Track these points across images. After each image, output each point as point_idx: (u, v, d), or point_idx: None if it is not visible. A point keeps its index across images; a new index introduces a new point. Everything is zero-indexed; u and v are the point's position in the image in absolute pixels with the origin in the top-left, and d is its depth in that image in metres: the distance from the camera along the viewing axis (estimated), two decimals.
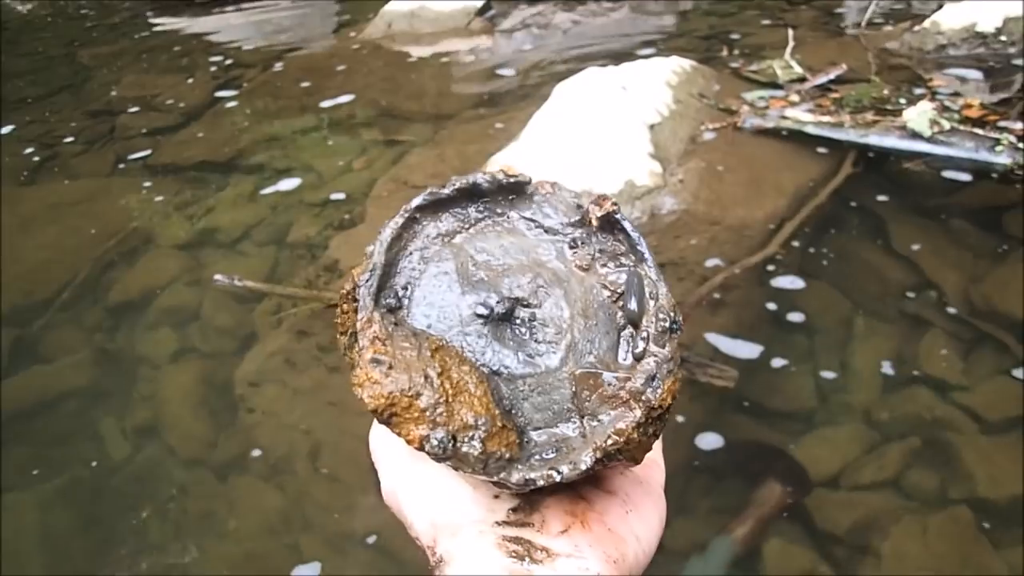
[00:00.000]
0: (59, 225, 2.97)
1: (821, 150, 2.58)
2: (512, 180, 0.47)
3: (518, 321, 0.44)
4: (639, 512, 0.44)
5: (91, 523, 1.82)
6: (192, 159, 3.32)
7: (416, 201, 0.47)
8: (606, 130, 2.43)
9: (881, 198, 2.45)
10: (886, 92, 2.82)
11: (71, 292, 2.56)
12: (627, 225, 0.45)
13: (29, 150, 3.60)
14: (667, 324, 0.42)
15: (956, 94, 2.76)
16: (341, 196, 2.86)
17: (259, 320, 2.27)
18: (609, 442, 0.40)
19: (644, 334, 0.42)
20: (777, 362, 1.98)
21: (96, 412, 2.12)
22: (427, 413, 0.40)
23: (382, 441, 0.48)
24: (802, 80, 2.98)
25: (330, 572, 1.66)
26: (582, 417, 0.42)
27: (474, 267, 0.46)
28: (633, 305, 0.43)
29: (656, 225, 2.25)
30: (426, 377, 0.40)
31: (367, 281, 0.43)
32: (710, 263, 2.12)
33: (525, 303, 0.45)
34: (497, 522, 0.42)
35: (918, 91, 2.82)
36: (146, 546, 1.76)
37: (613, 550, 0.41)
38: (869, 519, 1.65)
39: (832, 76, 2.97)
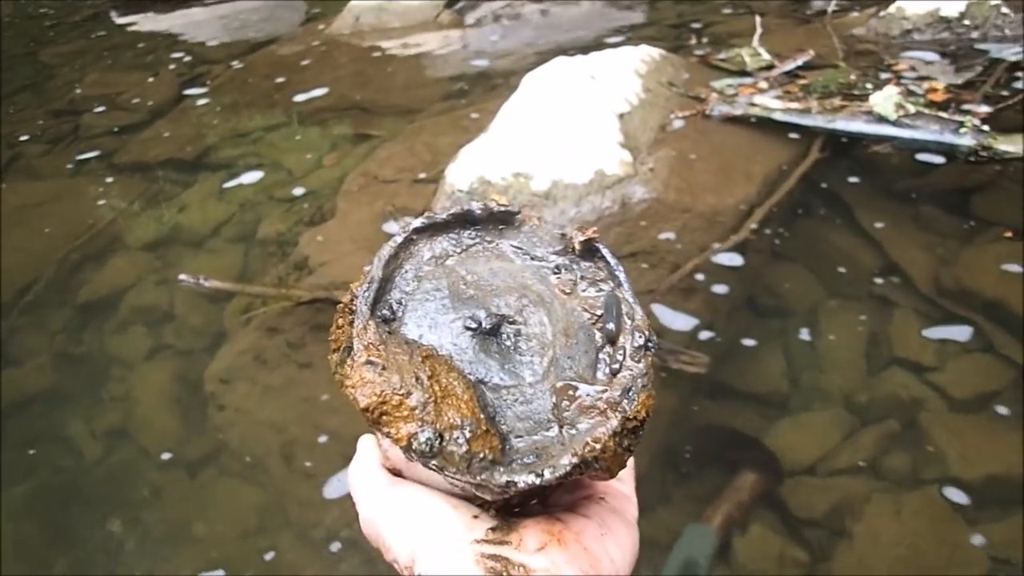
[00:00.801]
0: (24, 227, 2.91)
1: (790, 136, 2.60)
2: (503, 210, 0.51)
3: (504, 336, 0.47)
4: (614, 537, 0.46)
5: (64, 531, 1.79)
6: (158, 157, 3.26)
7: (415, 224, 0.50)
8: (576, 120, 2.42)
9: (850, 182, 2.47)
10: (853, 77, 2.84)
11: (35, 294, 2.51)
12: (606, 252, 0.49)
13: None
14: (642, 342, 0.45)
15: (921, 78, 2.78)
16: (311, 192, 2.83)
17: (229, 318, 2.24)
18: (587, 449, 0.42)
19: (621, 351, 0.45)
20: (749, 347, 1.99)
21: (65, 414, 2.08)
22: (416, 411, 0.42)
23: (360, 471, 0.49)
24: (770, 67, 2.99)
25: (305, 571, 1.65)
26: (561, 426, 0.44)
27: (464, 286, 0.48)
28: (611, 324, 0.46)
29: (627, 214, 2.25)
30: (417, 379, 0.43)
31: (365, 292, 0.46)
32: (681, 250, 2.13)
33: (511, 320, 0.47)
34: (476, 540, 0.43)
35: (884, 76, 2.85)
36: (120, 552, 1.73)
37: (589, 568, 0.42)
38: (844, 503, 1.66)
39: (799, 62, 2.99)
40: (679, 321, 1.95)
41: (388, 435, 0.42)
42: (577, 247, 0.49)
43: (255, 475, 1.85)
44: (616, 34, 3.89)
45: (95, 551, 1.74)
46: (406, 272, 0.49)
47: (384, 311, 0.47)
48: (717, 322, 2.02)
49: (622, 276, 0.48)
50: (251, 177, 3.02)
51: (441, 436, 0.41)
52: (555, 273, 0.50)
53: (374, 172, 2.73)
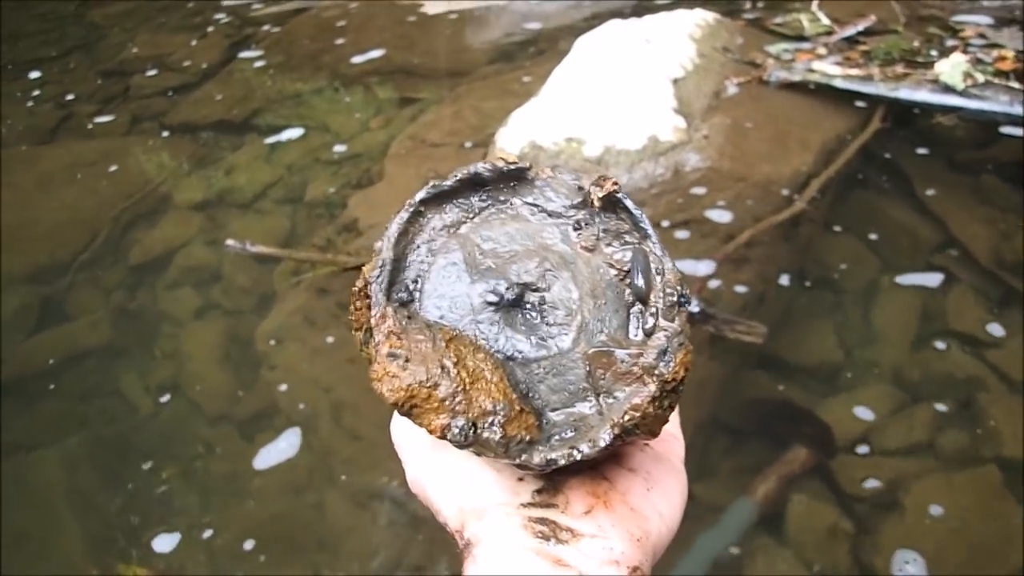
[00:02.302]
0: (77, 185, 2.96)
1: (849, 104, 2.52)
2: (513, 167, 0.47)
3: (528, 306, 0.45)
4: (661, 489, 0.45)
5: (116, 480, 1.84)
6: (208, 118, 3.29)
7: (420, 195, 0.47)
8: (629, 84, 2.37)
9: (911, 153, 2.39)
10: (916, 44, 2.74)
11: (92, 252, 2.57)
12: (629, 203, 0.45)
13: (44, 111, 3.59)
14: (675, 298, 0.43)
15: (990, 45, 2.67)
16: (358, 155, 2.83)
17: (279, 279, 2.27)
18: (626, 418, 0.41)
19: (653, 309, 0.43)
20: (802, 319, 1.96)
21: (118, 369, 2.14)
22: (446, 403, 0.40)
23: (404, 431, 0.49)
24: (829, 32, 2.90)
25: (354, 526, 1.68)
26: (598, 395, 0.43)
27: (481, 256, 0.46)
28: (640, 282, 0.43)
29: (680, 182, 2.22)
30: (442, 368, 0.41)
31: (378, 277, 0.44)
32: (735, 220, 2.09)
33: (534, 287, 0.45)
34: (522, 504, 0.42)
35: (950, 43, 2.74)
36: (172, 502, 1.78)
37: (636, 529, 0.42)
38: (894, 478, 1.64)
39: (860, 28, 2.89)
40: (731, 292, 1.92)
41: (420, 426, 0.41)
42: (597, 203, 0.46)
43: (304, 434, 1.88)
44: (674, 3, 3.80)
45: (148, 499, 1.79)
46: (418, 248, 0.46)
47: (400, 294, 0.45)
48: (769, 293, 1.99)
49: (648, 228, 0.45)
50: (298, 139, 3.03)
51: (475, 425, 0.40)
52: (576, 229, 0.47)
53: (421, 136, 2.72)
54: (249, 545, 1.68)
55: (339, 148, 2.91)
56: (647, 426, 0.41)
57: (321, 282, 2.17)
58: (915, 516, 1.57)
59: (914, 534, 1.54)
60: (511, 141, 2.29)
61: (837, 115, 2.48)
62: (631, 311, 0.44)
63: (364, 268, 0.45)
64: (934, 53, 2.64)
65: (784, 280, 2.05)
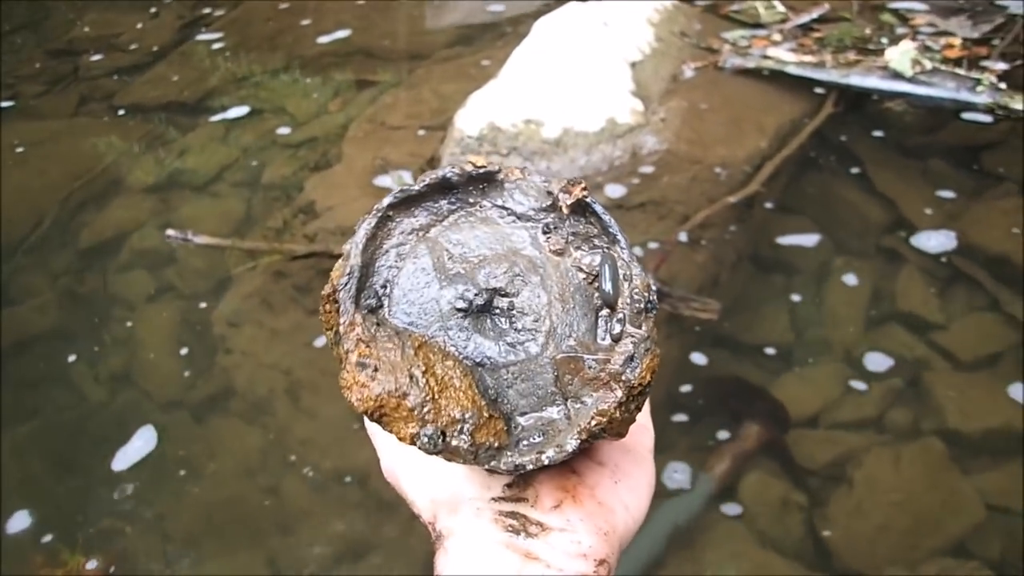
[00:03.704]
0: (24, 168, 2.87)
1: (803, 90, 2.56)
2: (481, 171, 0.47)
3: (497, 311, 0.45)
4: (628, 481, 0.46)
5: (68, 467, 1.81)
6: (160, 100, 3.21)
7: (387, 200, 0.46)
8: (587, 67, 2.38)
9: (861, 137, 2.44)
10: (868, 31, 2.79)
11: (39, 235, 2.49)
12: (598, 208, 0.46)
13: None
14: (642, 304, 0.43)
15: (939, 33, 2.74)
16: (315, 138, 2.79)
17: (234, 262, 2.23)
18: (593, 423, 0.41)
19: (620, 315, 0.43)
20: (755, 299, 2.00)
21: (68, 355, 2.08)
22: (415, 412, 0.41)
23: None
24: (784, 20, 2.94)
25: (311, 509, 1.67)
26: (566, 400, 0.43)
27: (450, 260, 0.46)
28: (608, 288, 0.44)
29: (638, 163, 2.23)
30: (411, 377, 0.41)
31: (346, 285, 0.44)
32: (691, 201, 2.11)
33: (503, 292, 0.45)
34: (493, 498, 0.44)
35: (900, 31, 2.80)
36: (124, 488, 1.75)
37: (603, 523, 0.43)
38: (844, 453, 1.68)
39: (814, 15, 2.93)
40: (687, 272, 1.95)
41: (390, 433, 0.41)
42: (566, 209, 0.46)
43: (260, 417, 1.86)
44: None
45: (99, 486, 1.76)
46: (387, 252, 0.46)
47: (369, 300, 0.45)
48: (723, 274, 2.02)
49: (617, 233, 0.45)
50: (254, 122, 2.98)
51: (443, 433, 0.41)
52: (545, 232, 0.47)
53: (380, 118, 2.70)
54: (203, 531, 1.67)
55: (297, 131, 2.87)
56: (614, 429, 0.42)
57: (278, 265, 2.15)
58: (864, 488, 1.61)
59: (864, 506, 1.59)
60: (470, 123, 2.28)
61: (791, 100, 2.52)
62: (599, 314, 0.44)
63: (333, 273, 0.45)
64: (885, 40, 2.70)
65: (738, 261, 2.08)
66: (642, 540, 1.57)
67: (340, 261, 0.45)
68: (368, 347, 0.42)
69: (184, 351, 2.04)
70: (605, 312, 0.44)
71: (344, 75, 3.29)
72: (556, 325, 0.44)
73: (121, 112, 3.17)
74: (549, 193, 0.46)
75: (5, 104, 3.35)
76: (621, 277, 0.44)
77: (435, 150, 2.40)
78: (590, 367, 0.43)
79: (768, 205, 2.21)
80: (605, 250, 0.45)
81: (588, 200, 0.46)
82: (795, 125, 2.41)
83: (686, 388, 1.84)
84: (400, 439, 0.41)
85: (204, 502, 1.72)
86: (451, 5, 3.88)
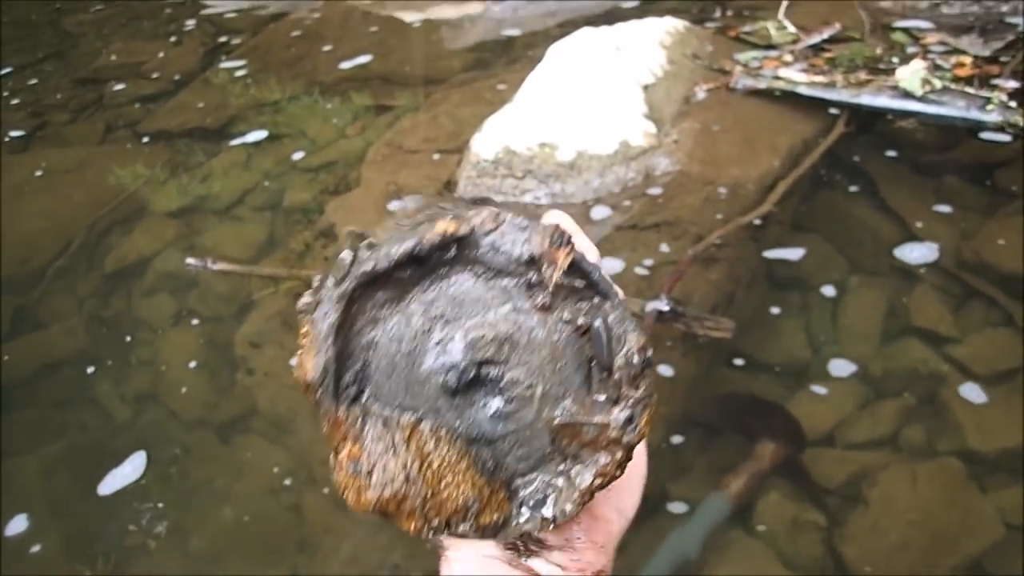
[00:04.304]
0: (52, 193, 2.95)
1: (815, 110, 2.59)
2: (453, 236, 0.42)
3: (487, 382, 0.42)
4: (620, 484, 0.46)
5: (93, 487, 1.84)
6: (183, 126, 3.29)
7: (349, 284, 0.41)
8: (601, 91, 2.42)
9: (874, 156, 2.46)
10: (879, 51, 2.81)
11: (66, 259, 2.56)
12: (585, 266, 0.43)
13: (18, 119, 3.57)
14: (640, 368, 0.42)
15: (949, 52, 2.76)
16: (335, 162, 2.85)
17: (256, 285, 2.28)
18: (596, 483, 0.42)
19: (617, 377, 0.42)
20: (770, 318, 2.01)
21: (94, 377, 2.13)
22: (417, 511, 0.41)
23: None
24: (795, 40, 2.97)
25: (332, 526, 1.70)
26: (565, 459, 0.43)
27: (430, 332, 0.42)
28: (603, 353, 0.42)
29: (651, 185, 2.26)
30: (407, 477, 0.41)
31: (322, 382, 0.41)
32: (704, 222, 2.14)
33: (490, 361, 0.42)
34: None
35: (911, 50, 2.82)
36: (150, 506, 1.78)
37: (600, 536, 0.45)
38: (860, 471, 1.69)
39: (825, 36, 2.96)
40: (701, 291, 1.97)
41: (396, 525, 0.41)
42: (552, 281, 0.42)
43: (282, 436, 1.89)
44: (642, 5, 3.86)
45: (126, 504, 1.79)
46: (359, 332, 0.42)
47: (349, 388, 0.41)
48: (739, 292, 2.04)
49: (607, 289, 0.43)
50: (274, 146, 3.04)
51: (448, 523, 0.41)
52: (529, 289, 0.43)
53: (398, 142, 2.75)
54: (227, 548, 1.70)
55: (316, 155, 2.93)
56: (615, 479, 0.43)
57: (300, 287, 2.19)
58: (881, 508, 1.62)
59: (881, 524, 1.59)
60: (486, 147, 2.32)
61: (804, 120, 2.54)
62: (592, 365, 0.43)
63: (302, 365, 0.41)
64: (895, 60, 2.72)
65: (753, 280, 2.10)
66: (659, 559, 1.58)
67: (305, 351, 0.41)
68: (357, 444, 0.41)
69: (207, 372, 2.08)
70: (599, 369, 0.43)
71: (363, 100, 3.36)
72: (549, 386, 0.42)
73: (145, 139, 3.25)
74: (527, 242, 0.42)
75: (34, 131, 3.45)
76: (614, 343, 0.42)
77: (452, 173, 2.44)
78: (588, 431, 0.42)
79: (782, 224, 2.23)
80: (595, 306, 0.43)
81: (576, 260, 0.43)
82: (807, 145, 2.44)
83: (703, 406, 1.85)
84: (407, 531, 0.41)
85: (228, 520, 1.75)
86: (467, 30, 3.95)
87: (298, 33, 4.06)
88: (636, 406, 0.42)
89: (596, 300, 0.43)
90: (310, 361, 0.41)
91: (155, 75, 3.83)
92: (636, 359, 0.42)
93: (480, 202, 0.56)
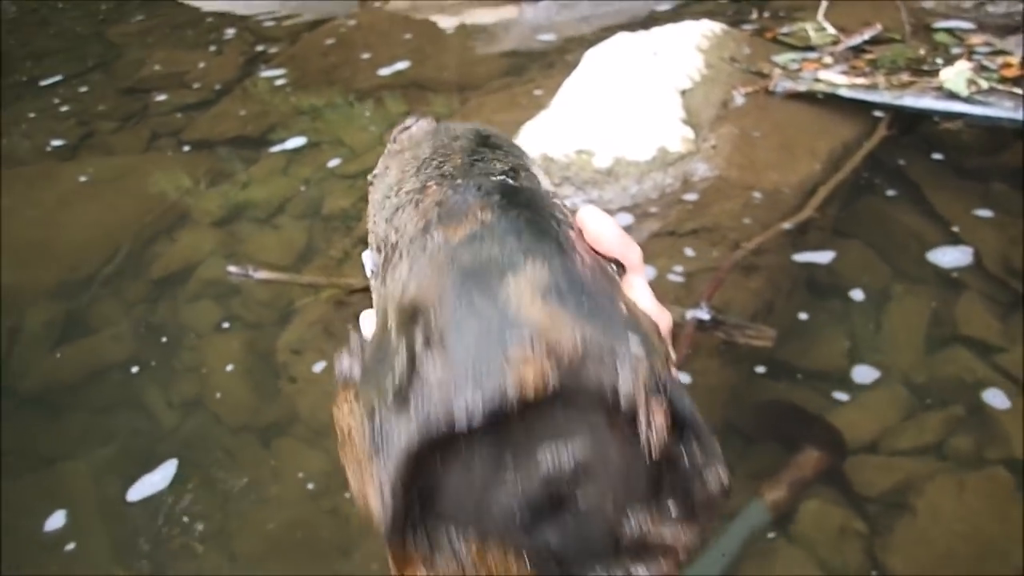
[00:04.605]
0: (99, 202, 3.03)
1: (856, 113, 2.55)
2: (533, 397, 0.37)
3: (560, 503, 0.40)
4: None
5: (142, 490, 1.89)
6: (224, 135, 3.36)
7: (409, 443, 0.37)
8: (638, 96, 2.42)
9: (918, 159, 2.42)
10: (922, 52, 2.77)
11: (114, 267, 2.63)
12: (680, 407, 0.39)
13: (65, 128, 3.67)
14: (717, 498, 0.40)
15: (995, 53, 2.70)
16: (372, 168, 2.87)
17: (297, 293, 2.32)
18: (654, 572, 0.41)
19: (694, 502, 0.40)
20: (811, 325, 1.99)
21: (142, 382, 2.19)
22: None
23: None
24: (835, 42, 2.93)
25: (370, 529, 1.72)
26: (627, 561, 0.41)
27: (501, 464, 0.39)
28: (688, 485, 0.40)
29: (689, 191, 2.25)
30: None
31: (390, 529, 0.38)
32: (744, 228, 2.12)
33: (565, 481, 0.39)
34: None
35: (955, 51, 2.77)
36: (196, 508, 1.83)
37: None
38: (905, 480, 1.66)
39: (866, 37, 2.92)
40: (740, 298, 1.96)
41: None
42: (655, 446, 0.38)
43: (322, 441, 1.92)
44: (677, 8, 3.84)
45: (173, 507, 1.84)
46: (427, 467, 0.39)
47: (414, 512, 0.39)
48: (779, 300, 2.02)
49: (696, 427, 0.40)
50: (314, 154, 3.09)
51: None
52: (609, 415, 0.39)
53: None
54: (268, 551, 1.73)
55: (354, 162, 2.97)
56: None
57: (339, 294, 2.22)
58: (927, 517, 1.59)
59: (927, 536, 1.57)
60: None
61: (844, 123, 2.51)
62: (662, 477, 0.40)
63: (367, 501, 0.38)
64: (939, 61, 2.67)
65: (793, 287, 2.08)
66: (701, 565, 1.57)
67: (369, 497, 0.38)
68: (425, 568, 0.39)
69: (250, 378, 2.12)
70: (675, 490, 0.40)
71: (398, 106, 3.39)
72: (619, 493, 0.40)
73: (188, 147, 3.32)
74: (614, 378, 0.37)
75: (81, 140, 3.55)
76: (698, 472, 0.40)
77: None
78: (654, 538, 0.40)
79: (823, 230, 2.20)
80: (681, 432, 0.40)
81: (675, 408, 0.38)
82: (848, 149, 2.40)
83: (742, 414, 1.84)
84: None
85: (269, 523, 1.78)
86: (502, 35, 3.96)
87: (334, 41, 4.11)
88: (706, 520, 0.40)
89: (680, 430, 0.40)
90: (374, 502, 0.38)
91: (197, 84, 3.91)
92: (716, 491, 0.40)
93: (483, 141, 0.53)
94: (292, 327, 2.19)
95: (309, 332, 2.15)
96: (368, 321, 0.49)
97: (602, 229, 0.47)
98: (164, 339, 2.31)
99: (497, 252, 0.41)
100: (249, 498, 1.86)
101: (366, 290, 2.22)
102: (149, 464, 1.95)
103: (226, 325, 2.31)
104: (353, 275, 2.24)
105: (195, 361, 2.23)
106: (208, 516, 1.82)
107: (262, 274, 2.31)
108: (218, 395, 2.10)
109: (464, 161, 0.50)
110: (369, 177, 0.59)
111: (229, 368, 2.16)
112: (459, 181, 0.47)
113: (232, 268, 2.34)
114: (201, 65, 4.13)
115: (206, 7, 5.10)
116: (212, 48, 4.36)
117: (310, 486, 1.84)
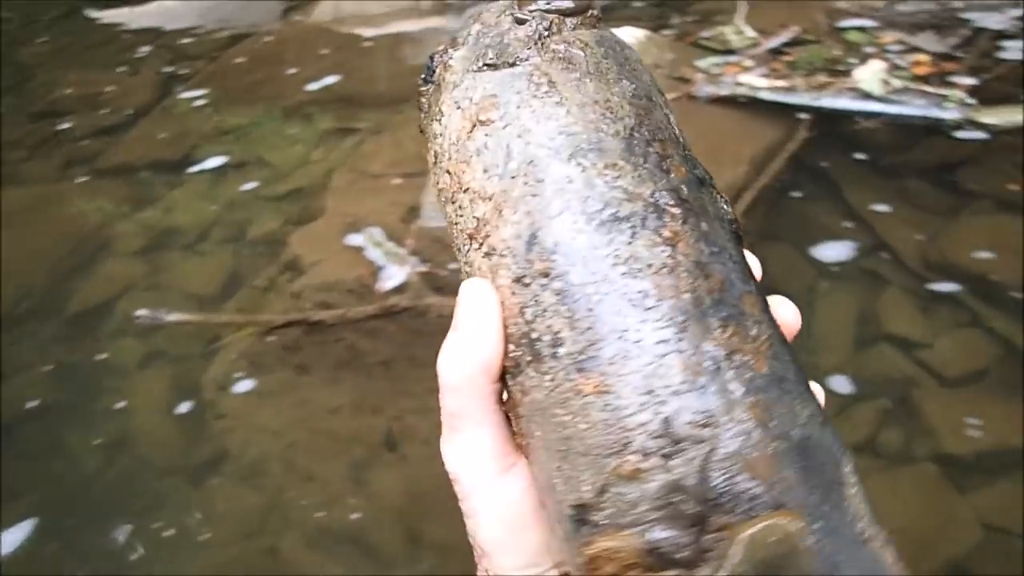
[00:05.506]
0: (10, 235, 2.89)
1: (778, 115, 2.59)
2: None
3: None
4: None
5: (72, 540, 1.80)
6: (143, 158, 3.24)
7: None
8: None
9: (838, 160, 2.47)
10: (838, 52, 2.83)
11: (30, 303, 2.50)
12: None
13: None
14: None
15: (907, 50, 2.78)
16: (299, 189, 2.82)
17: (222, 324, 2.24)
18: None
19: None
20: None
21: (63, 426, 2.09)
22: None
23: (468, 456, 0.44)
24: (755, 45, 2.98)
25: (309, 569, 1.67)
26: None
27: None
28: None
29: None
30: None
31: None
32: None
33: None
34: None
35: (869, 50, 2.84)
36: (128, 558, 1.75)
37: None
38: None
39: (784, 39, 2.97)
40: None
41: None
42: None
43: (256, 479, 1.86)
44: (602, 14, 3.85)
45: (103, 559, 1.76)
46: None
47: None
48: None
49: None
50: (238, 176, 3.00)
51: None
52: None
53: (362, 167, 2.72)
54: None
55: (280, 183, 2.89)
56: None
57: (263, 329, 2.16)
58: None
59: None
60: None
61: (768, 126, 2.55)
62: None
63: None
64: (854, 61, 2.73)
65: None
66: None
67: None
68: None
69: (177, 416, 2.04)
70: None
71: (326, 123, 3.32)
72: None
73: (105, 174, 3.19)
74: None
75: None
76: None
77: (417, 198, 2.42)
78: None
79: (748, 233, 2.22)
80: None
81: None
82: (772, 152, 2.44)
83: None
84: None
85: (206, 565, 1.72)
86: (430, 45, 3.92)
87: (257, 56, 4.01)
88: None
89: None
90: None
91: (112, 107, 3.76)
92: None
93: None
94: (218, 361, 2.12)
95: (235, 367, 2.08)
96: None
97: None
98: (84, 380, 2.21)
99: None
100: (183, 542, 1.79)
101: (287, 326, 2.16)
102: (75, 513, 1.87)
103: (149, 362, 2.22)
104: (277, 307, 2.18)
105: (118, 401, 2.13)
106: (140, 564, 1.74)
107: (175, 316, 2.22)
108: (144, 437, 2.02)
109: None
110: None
111: (154, 407, 2.08)
112: None
113: (142, 312, 2.25)
114: (117, 86, 3.97)
115: (121, 25, 4.92)
116: (128, 67, 4.21)
117: (244, 526, 1.78)
